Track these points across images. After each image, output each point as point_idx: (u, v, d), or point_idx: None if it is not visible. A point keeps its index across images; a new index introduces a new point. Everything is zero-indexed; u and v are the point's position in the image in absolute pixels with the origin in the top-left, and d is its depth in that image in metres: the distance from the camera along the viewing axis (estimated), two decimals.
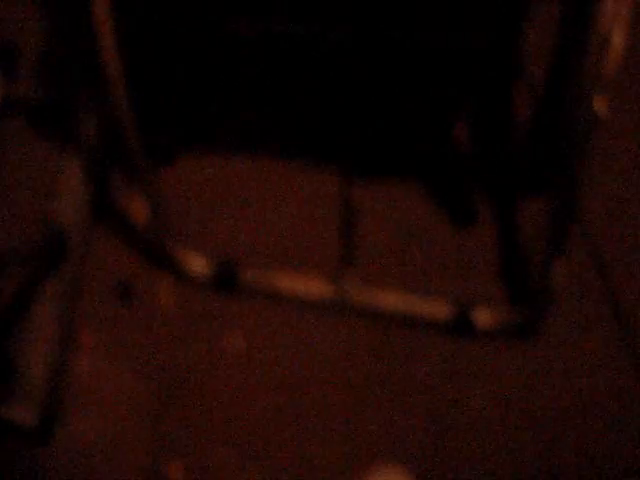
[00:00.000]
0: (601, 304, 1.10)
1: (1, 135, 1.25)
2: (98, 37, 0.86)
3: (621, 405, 1.05)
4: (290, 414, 1.08)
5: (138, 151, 1.02)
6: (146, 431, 1.09)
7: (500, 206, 1.22)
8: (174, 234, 1.15)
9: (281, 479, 1.05)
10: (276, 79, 1.29)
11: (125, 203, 1.20)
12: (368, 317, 1.11)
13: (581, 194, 1.05)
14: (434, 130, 1.26)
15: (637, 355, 1.06)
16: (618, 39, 0.81)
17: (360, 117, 1.27)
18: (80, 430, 1.08)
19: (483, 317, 1.07)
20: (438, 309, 1.08)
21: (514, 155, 1.26)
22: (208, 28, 1.11)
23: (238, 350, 1.12)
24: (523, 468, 1.03)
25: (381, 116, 1.27)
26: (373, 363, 1.09)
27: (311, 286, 1.10)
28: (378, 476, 1.02)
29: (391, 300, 1.08)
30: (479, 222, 1.20)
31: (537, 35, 1.26)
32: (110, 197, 1.23)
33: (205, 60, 1.28)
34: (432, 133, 1.25)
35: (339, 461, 1.05)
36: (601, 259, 1.16)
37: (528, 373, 1.07)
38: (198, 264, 1.13)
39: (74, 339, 1.13)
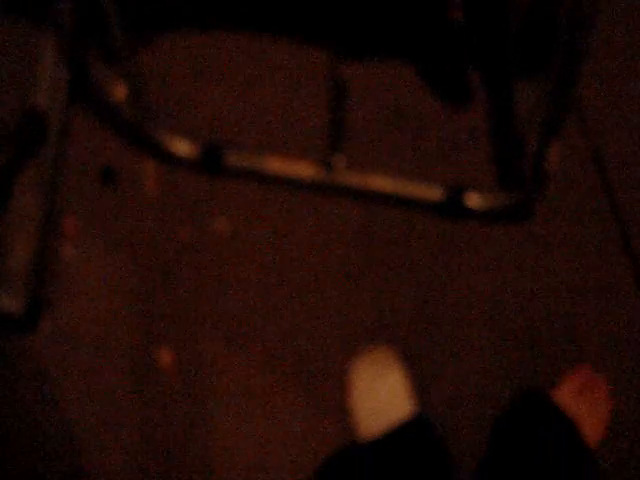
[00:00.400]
0: (595, 190, 1.08)
1: None
2: None
3: (610, 290, 1.05)
4: (279, 296, 1.08)
5: (116, 29, 0.96)
6: (134, 316, 1.08)
7: (494, 87, 1.18)
8: (156, 116, 1.10)
9: (270, 364, 1.06)
10: None
11: (105, 85, 1.14)
12: (358, 199, 1.09)
13: (580, 75, 1.00)
14: (428, 6, 1.19)
15: (626, 235, 1.05)
16: None
17: None
18: (67, 316, 1.08)
19: (475, 200, 1.05)
20: (430, 191, 1.05)
21: (511, 33, 1.20)
22: None
23: (225, 233, 1.10)
24: (509, 341, 1.05)
25: None
26: (364, 245, 1.08)
27: (299, 168, 1.07)
28: (366, 358, 1.03)
29: (382, 182, 1.06)
30: (472, 104, 1.16)
31: None
32: (90, 80, 1.17)
33: None
34: (426, 9, 1.18)
35: (328, 345, 1.06)
36: (597, 145, 1.13)
37: (519, 256, 1.07)
38: (182, 146, 1.09)
39: (58, 226, 1.11)
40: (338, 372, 1.05)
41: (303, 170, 1.06)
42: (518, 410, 1.01)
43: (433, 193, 1.05)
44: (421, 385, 1.04)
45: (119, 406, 1.06)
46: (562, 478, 0.87)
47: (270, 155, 1.08)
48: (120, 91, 1.08)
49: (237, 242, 1.09)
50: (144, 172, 1.12)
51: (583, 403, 1.00)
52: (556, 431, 0.96)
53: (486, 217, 1.06)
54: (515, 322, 1.05)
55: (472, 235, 1.07)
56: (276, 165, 1.07)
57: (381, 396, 1.00)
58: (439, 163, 1.10)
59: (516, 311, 1.04)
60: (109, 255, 1.10)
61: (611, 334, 1.04)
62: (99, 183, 1.13)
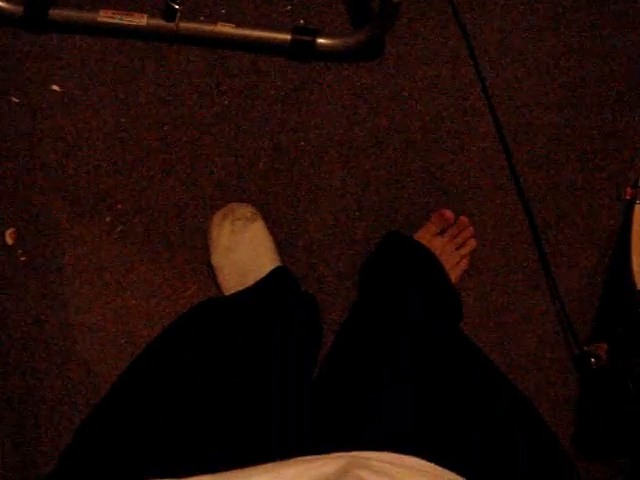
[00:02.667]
0: (445, 18, 1.04)
1: None
2: None
3: (466, 125, 1.03)
4: (124, 157, 1.01)
5: None
6: None
7: None
8: None
9: (120, 232, 1.00)
10: None
11: None
12: (205, 48, 1.01)
13: None
14: None
15: (477, 64, 1.03)
16: None
17: None
18: None
19: (324, 39, 0.99)
20: (277, 34, 0.99)
21: None
22: None
23: (61, 92, 1.01)
24: (370, 185, 1.02)
25: None
26: (212, 95, 1.01)
27: (133, 18, 0.98)
28: (224, 215, 0.97)
29: (226, 28, 0.98)
30: None
31: None
32: None
33: None
34: None
35: (181, 206, 1.00)
36: None
37: (373, 94, 1.03)
38: (4, 3, 0.98)
39: None
40: (195, 232, 1.00)
41: (138, 20, 0.98)
42: (382, 252, 1.00)
43: (281, 36, 0.99)
44: (284, 237, 1.00)
45: None
46: (425, 305, 0.87)
47: (102, 7, 0.98)
48: None
49: (75, 102, 1.00)
50: None
51: (444, 241, 0.99)
52: (418, 264, 0.95)
53: (336, 56, 1.01)
54: (374, 163, 1.02)
55: (323, 77, 1.02)
56: (108, 15, 0.97)
57: (242, 252, 0.96)
58: (284, 5, 1.03)
59: (373, 152, 1.01)
60: None
61: (472, 175, 1.03)
62: None
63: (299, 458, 0.38)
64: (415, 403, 0.68)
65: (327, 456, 0.39)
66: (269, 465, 0.36)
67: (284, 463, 0.37)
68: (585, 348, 1.01)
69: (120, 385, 0.71)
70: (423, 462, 0.39)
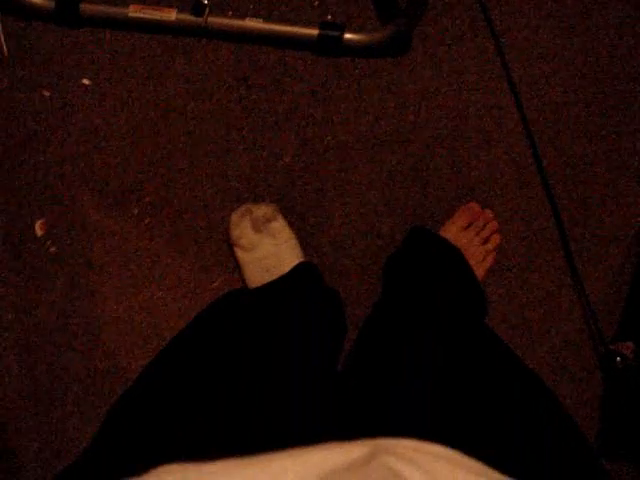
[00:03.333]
0: (473, 15, 1.04)
1: None
2: None
3: (493, 121, 1.03)
4: (151, 151, 1.02)
5: None
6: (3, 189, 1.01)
7: None
8: None
9: (147, 226, 1.01)
10: None
11: None
12: (233, 43, 1.02)
13: None
14: None
15: (505, 62, 1.03)
16: None
17: None
18: None
19: (352, 35, 1.00)
20: (305, 29, 1.00)
21: None
22: None
23: (90, 87, 1.02)
24: (396, 180, 1.02)
25: None
26: (243, 91, 1.02)
27: (163, 13, 0.99)
28: (248, 212, 0.98)
29: (254, 23, 0.99)
30: None
31: None
32: None
33: None
34: None
35: (207, 202, 1.01)
36: None
37: (399, 89, 1.03)
38: None
39: None
40: (221, 226, 1.01)
41: (168, 15, 0.99)
42: (407, 247, 1.00)
43: (308, 31, 1.00)
44: (309, 231, 1.01)
45: None
46: (450, 301, 0.87)
47: (132, 3, 1.00)
48: None
49: (104, 95, 1.02)
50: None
51: (469, 236, 0.99)
52: (444, 260, 0.95)
53: (363, 52, 1.01)
54: (400, 159, 1.02)
55: (350, 72, 1.02)
56: (138, 10, 0.98)
57: (265, 250, 0.96)
58: (312, 1, 1.04)
59: (401, 149, 1.01)
60: None
61: (498, 171, 1.03)
62: None
63: (323, 444, 0.38)
64: (439, 395, 0.68)
65: (352, 443, 0.38)
66: (294, 450, 0.36)
67: (309, 449, 0.37)
68: (611, 347, 1.00)
69: (151, 369, 0.72)
70: (448, 450, 0.39)
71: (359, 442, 0.38)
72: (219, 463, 0.35)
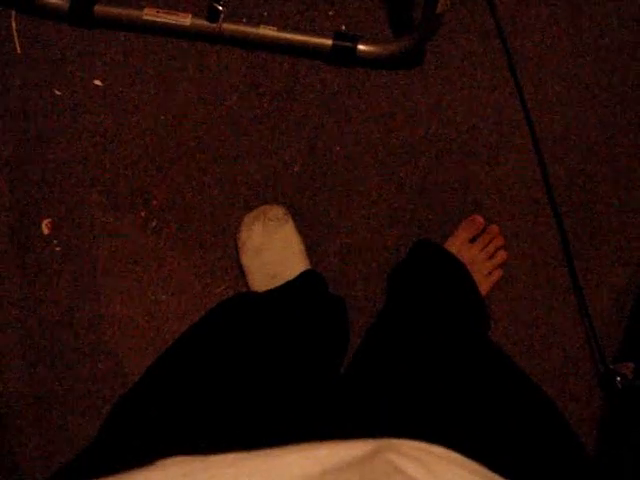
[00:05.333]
0: (486, 32, 1.04)
1: None
2: None
3: (502, 137, 1.03)
4: (162, 153, 1.02)
5: None
6: (10, 186, 1.01)
7: None
8: None
9: (154, 227, 1.01)
10: None
11: None
12: (246, 49, 1.02)
13: None
14: None
15: (517, 78, 1.03)
16: None
17: None
18: None
19: (366, 47, 1.00)
20: (318, 39, 1.00)
21: None
22: None
23: (102, 87, 1.02)
24: (403, 191, 1.03)
25: None
26: (254, 99, 1.02)
27: (178, 17, 0.99)
28: (256, 216, 0.98)
29: (268, 31, 0.99)
30: None
31: None
32: None
33: None
34: None
35: (215, 205, 1.01)
36: None
37: (410, 102, 1.03)
38: None
39: None
40: (227, 231, 1.01)
41: (182, 19, 0.99)
42: (412, 259, 1.00)
43: (322, 41, 1.00)
44: (315, 240, 1.01)
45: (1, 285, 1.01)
46: (454, 317, 0.87)
47: (147, 5, 1.00)
48: None
49: (116, 97, 1.02)
50: (10, 28, 1.02)
51: (474, 251, 0.99)
52: (447, 273, 0.95)
53: (376, 63, 1.01)
54: (408, 171, 1.02)
55: (362, 83, 1.02)
56: (153, 13, 0.99)
57: (272, 253, 0.97)
58: (327, 10, 1.04)
59: (408, 160, 1.01)
60: None
61: (506, 187, 1.03)
62: None
63: (328, 441, 0.38)
64: (440, 402, 0.68)
65: (356, 440, 0.39)
66: (299, 446, 0.36)
67: (313, 444, 0.37)
68: (611, 366, 1.00)
69: (158, 364, 0.72)
70: (451, 452, 0.39)
71: (363, 440, 0.39)
72: (224, 456, 0.35)
